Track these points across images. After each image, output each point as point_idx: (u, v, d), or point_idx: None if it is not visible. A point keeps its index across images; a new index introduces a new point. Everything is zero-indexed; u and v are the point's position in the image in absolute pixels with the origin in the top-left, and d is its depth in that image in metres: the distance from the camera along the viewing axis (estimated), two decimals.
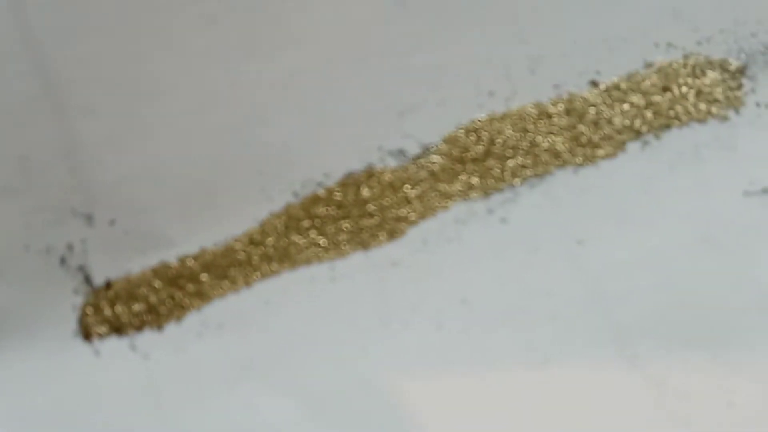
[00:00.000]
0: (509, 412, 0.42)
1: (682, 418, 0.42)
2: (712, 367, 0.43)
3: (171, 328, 0.45)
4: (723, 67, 0.50)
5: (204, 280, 0.45)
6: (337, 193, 0.46)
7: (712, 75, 0.49)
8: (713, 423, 0.42)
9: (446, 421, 0.43)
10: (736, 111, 0.49)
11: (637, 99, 0.49)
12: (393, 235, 0.46)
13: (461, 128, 0.48)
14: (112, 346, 0.45)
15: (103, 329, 0.45)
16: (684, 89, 0.49)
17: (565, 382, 0.43)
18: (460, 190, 0.47)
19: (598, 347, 0.44)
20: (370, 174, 0.47)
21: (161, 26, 0.45)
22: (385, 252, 0.46)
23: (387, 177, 0.47)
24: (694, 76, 0.49)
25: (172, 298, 0.45)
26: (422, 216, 0.47)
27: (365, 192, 0.47)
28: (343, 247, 0.46)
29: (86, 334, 0.45)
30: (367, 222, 0.46)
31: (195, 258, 0.45)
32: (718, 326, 0.43)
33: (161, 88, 0.45)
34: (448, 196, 0.47)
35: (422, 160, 0.47)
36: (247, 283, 0.46)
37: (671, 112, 0.49)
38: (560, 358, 0.43)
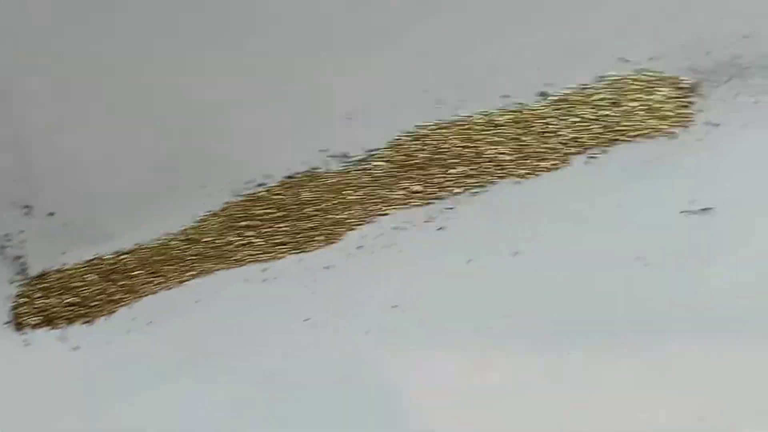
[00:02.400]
0: (430, 416, 0.42)
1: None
2: (638, 383, 0.42)
3: (102, 322, 0.45)
4: (675, 84, 0.49)
5: (137, 275, 0.45)
6: (278, 195, 0.47)
7: (663, 91, 0.49)
8: None
9: (369, 420, 0.43)
10: (685, 129, 0.49)
11: (586, 112, 0.49)
12: (330, 238, 0.46)
13: (407, 134, 0.48)
14: (43, 337, 0.46)
15: (35, 320, 0.45)
16: (634, 104, 0.49)
17: (489, 390, 0.43)
18: (401, 197, 0.47)
19: (525, 358, 0.43)
20: (312, 176, 0.47)
21: (108, 15, 0.45)
22: (320, 255, 0.46)
23: (329, 180, 0.47)
24: (645, 91, 0.49)
25: (105, 292, 0.45)
26: (361, 221, 0.47)
27: (306, 194, 0.47)
28: (278, 249, 0.46)
29: (18, 324, 0.46)
30: (304, 224, 0.46)
31: (130, 253, 0.46)
32: (648, 342, 0.43)
33: (105, 80, 0.45)
34: (388, 202, 0.47)
35: (365, 165, 0.47)
36: (180, 281, 0.46)
37: (619, 127, 0.48)
38: (486, 368, 0.43)
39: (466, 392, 0.43)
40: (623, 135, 0.49)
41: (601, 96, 0.49)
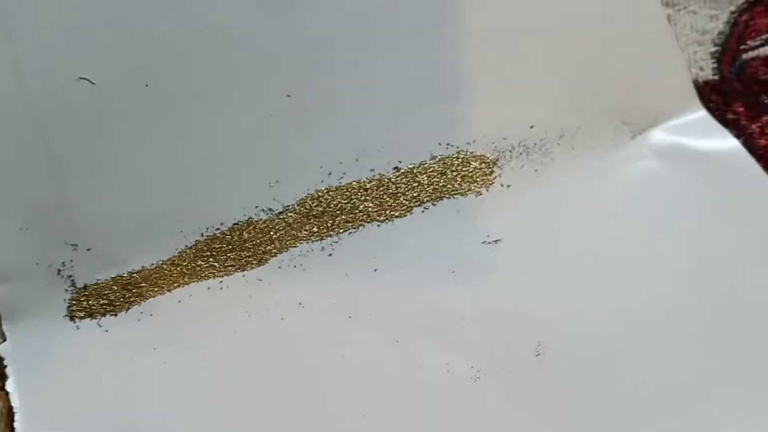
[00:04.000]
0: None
1: None
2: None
3: (122, 315, 0.75)
4: (482, 159, 0.77)
5: (143, 286, 0.75)
6: (227, 235, 0.75)
7: (474, 164, 0.76)
8: None
9: None
10: (487, 188, 0.77)
11: (423, 179, 0.77)
12: (261, 262, 0.75)
13: (309, 196, 0.76)
14: (87, 324, 0.75)
15: (81, 314, 0.75)
16: (455, 173, 0.77)
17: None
18: (305, 235, 0.76)
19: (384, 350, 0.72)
20: (249, 223, 0.76)
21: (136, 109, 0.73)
22: (254, 273, 0.75)
23: (260, 226, 0.75)
24: (462, 165, 0.77)
25: (123, 297, 0.75)
26: (280, 251, 0.76)
27: (245, 235, 0.75)
28: (229, 269, 0.75)
29: (71, 317, 0.75)
30: (245, 254, 0.75)
31: (138, 272, 0.75)
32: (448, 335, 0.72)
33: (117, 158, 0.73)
34: (297, 239, 0.76)
35: (283, 215, 0.76)
36: (169, 290, 0.75)
37: (444, 188, 0.77)
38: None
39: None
40: (447, 193, 0.77)
41: (433, 168, 0.77)
